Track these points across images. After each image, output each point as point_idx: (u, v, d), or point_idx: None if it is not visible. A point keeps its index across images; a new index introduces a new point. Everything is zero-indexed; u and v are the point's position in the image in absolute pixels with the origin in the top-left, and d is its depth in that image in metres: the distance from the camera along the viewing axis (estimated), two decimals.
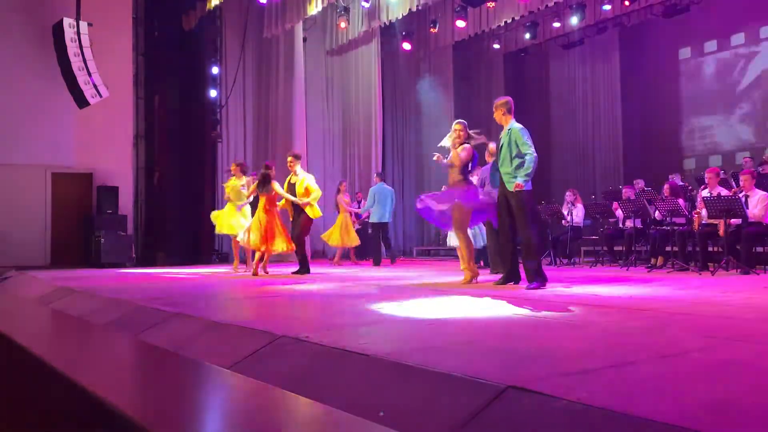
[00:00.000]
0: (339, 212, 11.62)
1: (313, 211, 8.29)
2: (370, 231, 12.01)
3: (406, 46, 15.20)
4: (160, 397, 2.12)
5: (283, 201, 8.35)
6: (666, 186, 9.47)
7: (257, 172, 8.76)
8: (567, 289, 5.52)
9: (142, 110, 13.10)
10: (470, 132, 6.35)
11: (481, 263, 8.88)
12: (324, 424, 1.84)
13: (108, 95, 11.29)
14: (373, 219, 11.38)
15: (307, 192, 8.23)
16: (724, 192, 7.88)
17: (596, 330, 3.30)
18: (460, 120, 6.54)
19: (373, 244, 11.66)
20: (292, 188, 8.32)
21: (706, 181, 8.28)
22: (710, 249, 8.08)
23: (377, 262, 11.17)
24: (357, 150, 15.26)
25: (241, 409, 2.02)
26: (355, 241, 11.60)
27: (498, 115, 5.99)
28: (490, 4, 13.20)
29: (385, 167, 15.48)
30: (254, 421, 1.80)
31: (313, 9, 12.09)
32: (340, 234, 11.37)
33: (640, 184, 11.31)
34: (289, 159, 8.52)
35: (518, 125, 5.87)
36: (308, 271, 8.39)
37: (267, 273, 8.41)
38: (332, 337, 2.98)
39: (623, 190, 10.42)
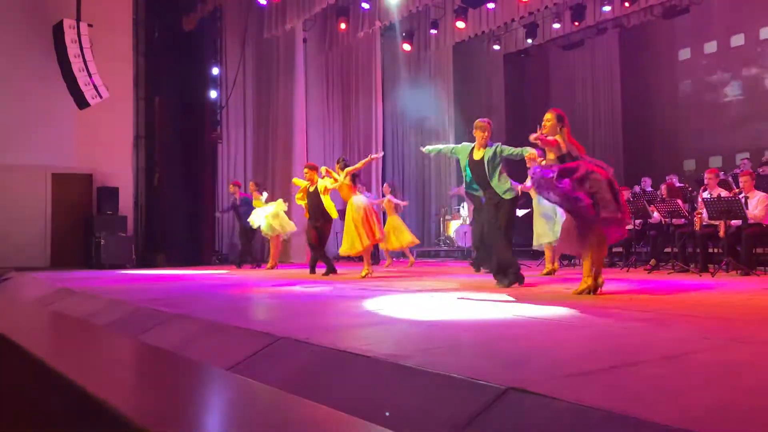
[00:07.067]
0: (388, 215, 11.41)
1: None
2: None
3: (407, 47, 15.19)
4: (160, 399, 2.12)
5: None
6: (663, 186, 9.45)
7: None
8: (567, 290, 5.52)
9: (143, 111, 13.11)
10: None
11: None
12: (325, 426, 1.84)
13: (108, 96, 11.29)
14: None
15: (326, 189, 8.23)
16: (724, 193, 7.87)
17: (597, 331, 3.30)
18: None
19: None
20: (311, 196, 8.34)
21: (706, 182, 8.23)
22: (710, 250, 8.06)
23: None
24: (357, 151, 15.25)
25: (241, 410, 2.02)
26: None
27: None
28: (490, 5, 13.20)
29: (385, 169, 15.49)
30: (254, 423, 1.79)
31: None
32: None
33: (647, 182, 11.32)
34: (306, 170, 8.54)
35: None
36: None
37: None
38: (333, 338, 2.98)
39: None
